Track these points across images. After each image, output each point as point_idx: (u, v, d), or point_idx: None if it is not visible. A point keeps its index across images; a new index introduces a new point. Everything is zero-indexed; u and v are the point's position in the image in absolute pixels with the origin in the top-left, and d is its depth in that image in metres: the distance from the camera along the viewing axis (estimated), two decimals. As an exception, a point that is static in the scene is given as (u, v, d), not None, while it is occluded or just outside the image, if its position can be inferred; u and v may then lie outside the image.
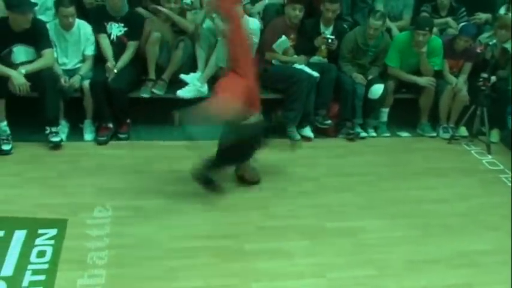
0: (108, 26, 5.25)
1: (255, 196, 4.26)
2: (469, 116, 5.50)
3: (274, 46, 5.45)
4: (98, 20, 5.24)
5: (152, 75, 5.33)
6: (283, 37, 5.44)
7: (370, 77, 5.56)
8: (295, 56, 5.52)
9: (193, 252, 3.51)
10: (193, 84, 5.34)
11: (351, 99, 5.48)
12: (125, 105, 5.17)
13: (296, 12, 5.39)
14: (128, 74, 5.19)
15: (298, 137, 5.33)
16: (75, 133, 5.15)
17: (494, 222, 4.11)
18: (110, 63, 5.10)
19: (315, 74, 5.39)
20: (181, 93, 5.30)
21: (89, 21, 5.19)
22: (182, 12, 5.45)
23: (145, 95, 5.29)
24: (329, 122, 5.48)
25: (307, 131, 5.42)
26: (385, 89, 5.50)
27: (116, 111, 5.18)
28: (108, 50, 5.20)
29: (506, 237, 3.88)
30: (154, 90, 5.29)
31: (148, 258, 3.42)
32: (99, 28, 5.23)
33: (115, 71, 5.09)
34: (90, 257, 3.39)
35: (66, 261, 3.34)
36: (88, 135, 5.12)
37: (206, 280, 3.27)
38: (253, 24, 5.32)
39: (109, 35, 5.26)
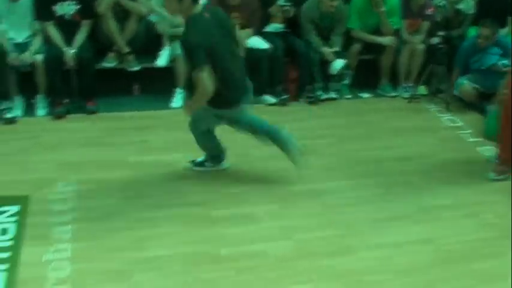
0: (58, 7, 4.98)
1: (220, 163, 4.25)
2: (427, 75, 5.58)
3: None
4: (44, 3, 4.93)
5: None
6: None
7: (334, 49, 5.49)
8: None
9: (160, 222, 3.49)
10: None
11: (308, 65, 5.45)
12: (93, 76, 5.04)
13: None
14: (89, 46, 5.06)
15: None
16: (31, 108, 5.02)
17: (454, 177, 4.20)
18: (67, 55, 4.90)
19: (264, 45, 5.29)
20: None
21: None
22: None
23: (110, 65, 5.22)
24: (286, 97, 5.43)
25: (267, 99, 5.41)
26: (346, 65, 5.46)
27: (84, 84, 5.07)
28: (58, 39, 4.97)
29: (465, 191, 4.00)
30: (104, 64, 5.20)
31: (115, 230, 3.39)
32: (45, 14, 4.94)
33: (72, 51, 4.93)
34: (55, 232, 3.34)
35: (31, 237, 3.29)
36: (41, 111, 4.99)
37: (174, 248, 3.26)
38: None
39: (62, 16, 5.01)
